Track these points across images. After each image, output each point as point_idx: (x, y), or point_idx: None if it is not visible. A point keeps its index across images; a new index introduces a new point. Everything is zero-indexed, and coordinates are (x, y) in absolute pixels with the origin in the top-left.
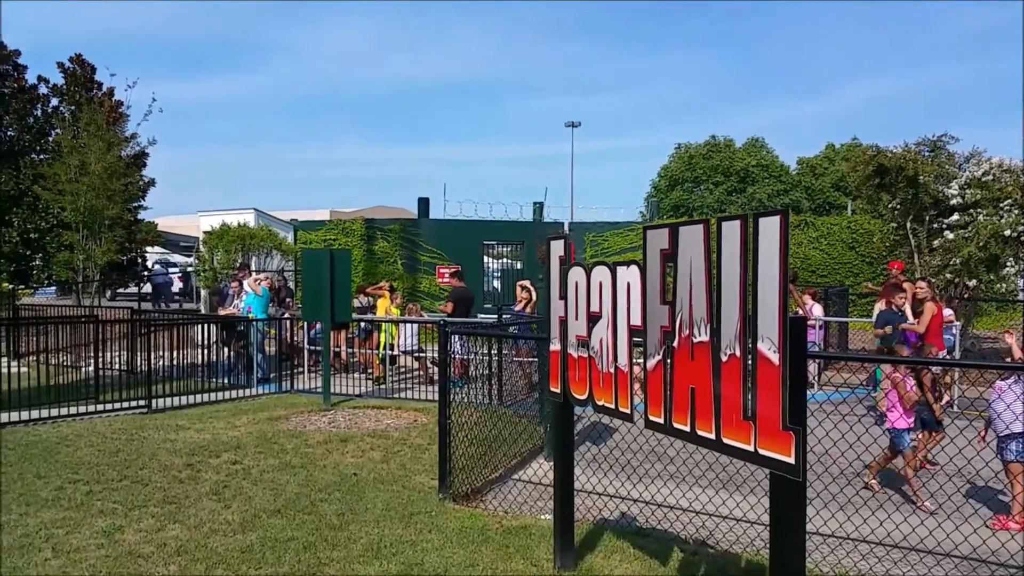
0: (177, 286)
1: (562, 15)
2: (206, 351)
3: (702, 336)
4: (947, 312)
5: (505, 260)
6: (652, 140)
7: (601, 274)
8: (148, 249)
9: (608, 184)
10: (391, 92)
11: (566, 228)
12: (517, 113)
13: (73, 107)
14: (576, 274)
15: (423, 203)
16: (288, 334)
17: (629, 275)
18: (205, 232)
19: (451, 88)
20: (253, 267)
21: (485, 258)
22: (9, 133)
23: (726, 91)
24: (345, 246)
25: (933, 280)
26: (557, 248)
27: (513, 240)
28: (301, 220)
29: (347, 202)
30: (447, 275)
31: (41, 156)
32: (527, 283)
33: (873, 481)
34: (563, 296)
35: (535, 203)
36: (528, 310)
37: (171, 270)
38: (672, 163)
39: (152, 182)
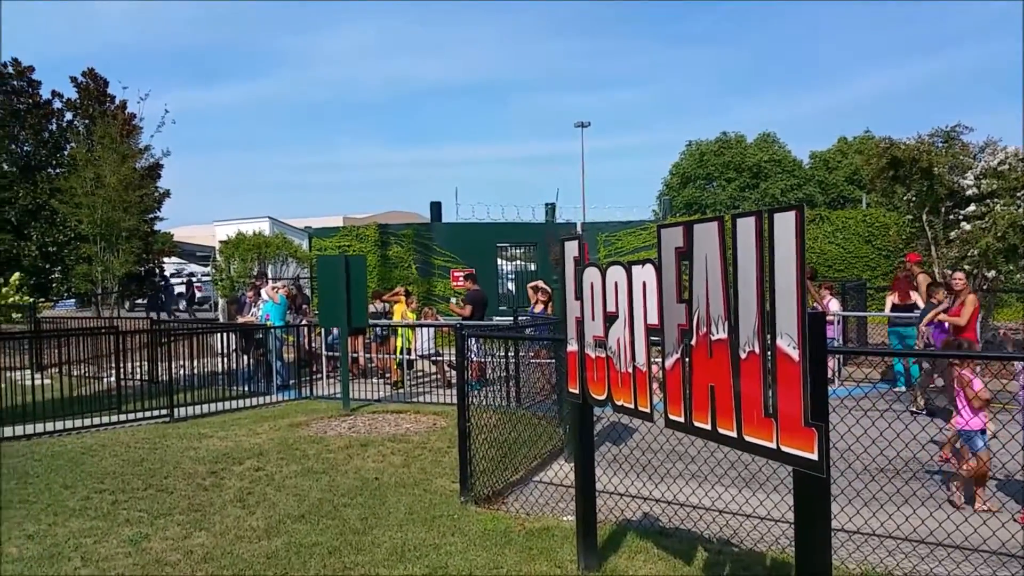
0: (180, 293)
1: (569, 14)
2: (226, 359)
3: (720, 334)
4: None
5: (519, 262)
6: (663, 138)
7: (616, 274)
8: (165, 259)
9: (620, 183)
10: (399, 95)
11: (579, 228)
12: (526, 113)
13: (87, 121)
14: (591, 274)
15: (435, 207)
16: (306, 341)
17: (645, 274)
18: (221, 241)
19: (459, 89)
20: (269, 275)
21: (499, 260)
22: (25, 148)
23: (736, 87)
24: (359, 252)
25: (950, 272)
26: (571, 249)
27: (526, 242)
28: (315, 227)
29: (360, 208)
30: (461, 278)
31: (57, 170)
32: (539, 283)
33: (978, 491)
34: (579, 297)
35: (547, 204)
36: (549, 311)
37: (173, 280)
38: (684, 160)
39: (167, 193)
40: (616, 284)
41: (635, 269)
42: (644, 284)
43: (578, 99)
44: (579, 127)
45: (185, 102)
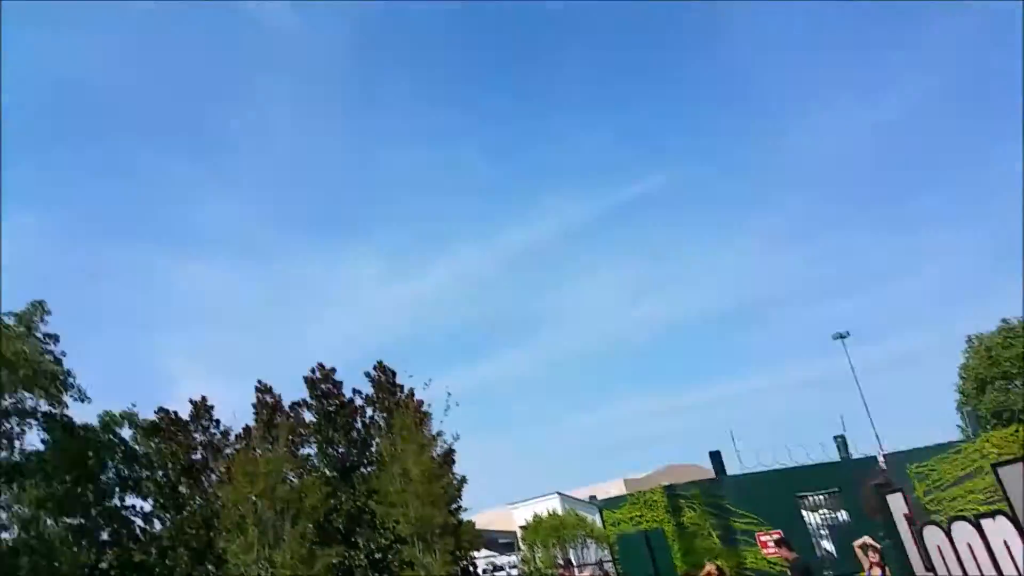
0: None
1: (781, 219)
2: None
3: None
4: None
5: (824, 512)
6: (933, 336)
7: (963, 531)
8: (475, 554)
9: (900, 396)
10: (651, 339)
11: (881, 463)
12: (776, 333)
13: (384, 414)
14: (933, 535)
15: (715, 457)
16: None
17: (999, 529)
18: (521, 527)
19: (702, 320)
20: (574, 562)
21: (803, 513)
22: (339, 450)
23: (993, 265)
24: (652, 523)
25: None
26: (897, 505)
27: (826, 487)
28: (600, 497)
29: (636, 465)
30: (771, 544)
31: (368, 468)
32: (867, 540)
33: None
34: (929, 567)
35: (836, 437)
36: None
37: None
38: (971, 360)
39: (464, 480)
40: (969, 546)
41: (985, 524)
42: (1005, 543)
43: (825, 307)
44: (837, 339)
45: (450, 381)
